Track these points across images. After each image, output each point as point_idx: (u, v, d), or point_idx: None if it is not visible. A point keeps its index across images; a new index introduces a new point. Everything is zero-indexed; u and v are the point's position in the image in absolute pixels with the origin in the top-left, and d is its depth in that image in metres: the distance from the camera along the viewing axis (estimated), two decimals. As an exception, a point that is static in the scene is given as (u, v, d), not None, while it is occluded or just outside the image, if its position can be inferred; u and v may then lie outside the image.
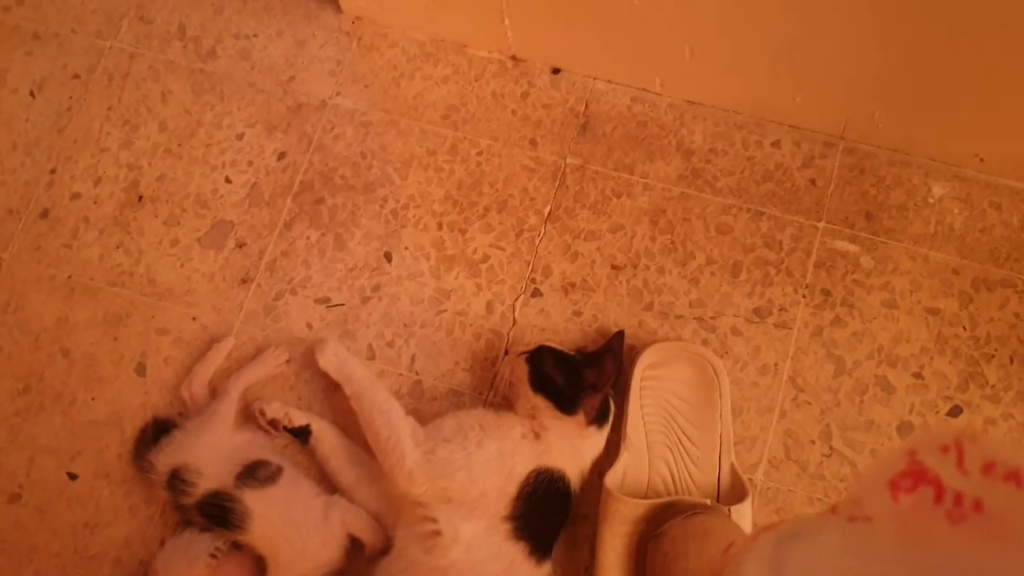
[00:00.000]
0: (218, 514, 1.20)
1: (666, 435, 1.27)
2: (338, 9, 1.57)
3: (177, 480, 1.23)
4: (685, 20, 1.28)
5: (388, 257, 1.41)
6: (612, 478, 1.21)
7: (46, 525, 1.32)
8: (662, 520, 1.14)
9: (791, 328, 1.34)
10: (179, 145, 1.51)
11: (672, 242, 1.39)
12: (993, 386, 1.30)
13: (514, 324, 1.36)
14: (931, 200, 1.40)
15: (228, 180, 1.47)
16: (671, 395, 1.29)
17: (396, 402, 1.26)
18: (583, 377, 1.20)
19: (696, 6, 1.25)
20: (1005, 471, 0.53)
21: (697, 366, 1.28)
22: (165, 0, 1.61)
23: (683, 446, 1.27)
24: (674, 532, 1.10)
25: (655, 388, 1.29)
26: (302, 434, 1.29)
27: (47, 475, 1.34)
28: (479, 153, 1.45)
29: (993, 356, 1.31)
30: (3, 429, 1.36)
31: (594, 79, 1.49)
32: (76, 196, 1.49)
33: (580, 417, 1.20)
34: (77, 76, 1.58)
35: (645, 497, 1.20)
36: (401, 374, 1.35)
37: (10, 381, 1.38)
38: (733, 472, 1.23)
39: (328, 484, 1.30)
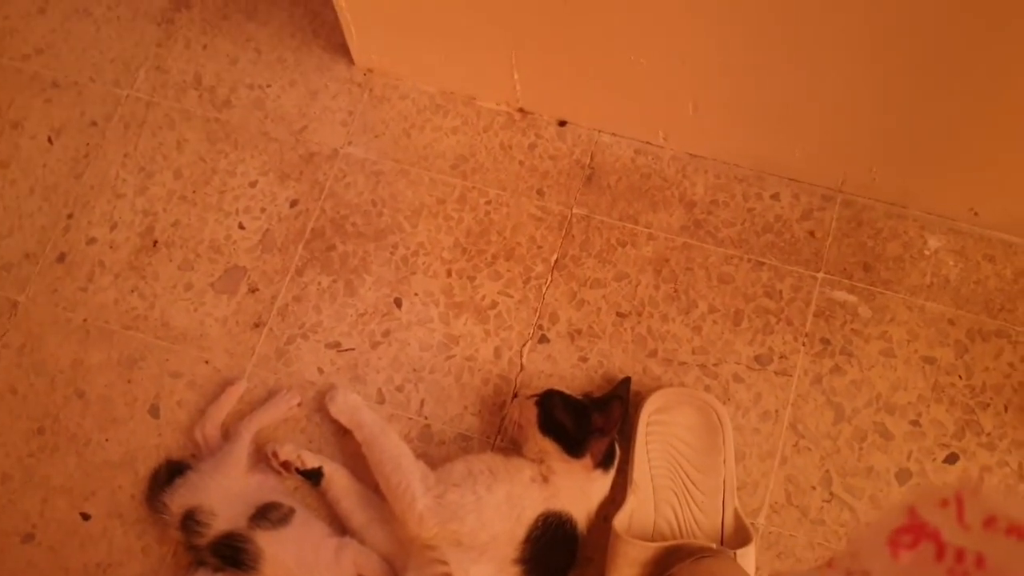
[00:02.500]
0: (231, 555, 1.23)
1: (671, 479, 1.31)
2: (350, 61, 1.62)
3: (191, 521, 1.25)
4: (690, 77, 1.34)
5: (398, 303, 1.45)
6: (619, 521, 1.24)
7: (59, 565, 1.34)
8: (669, 563, 1.17)
9: (791, 375, 1.38)
10: (194, 192, 1.55)
11: (675, 291, 1.43)
12: (989, 434, 1.34)
13: (521, 369, 1.39)
14: (927, 252, 1.45)
15: (241, 226, 1.51)
16: (676, 440, 1.33)
17: (406, 447, 1.30)
18: (591, 421, 1.24)
19: (701, 64, 1.30)
20: (1007, 524, 0.53)
21: (701, 412, 1.32)
22: (181, 51, 1.66)
23: (688, 490, 1.30)
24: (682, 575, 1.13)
25: (660, 433, 1.33)
26: (314, 476, 1.31)
27: (60, 515, 1.36)
28: (487, 202, 1.50)
29: (988, 405, 1.35)
30: (18, 469, 1.38)
31: (599, 131, 1.54)
32: (92, 241, 1.52)
33: (587, 460, 1.23)
34: (94, 123, 1.62)
35: (651, 540, 1.23)
36: (410, 418, 1.38)
37: (25, 422, 1.41)
38: (737, 516, 1.26)
39: (339, 526, 1.32)
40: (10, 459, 1.39)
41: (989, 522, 0.53)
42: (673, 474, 1.30)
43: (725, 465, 1.30)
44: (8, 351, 1.45)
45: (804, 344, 1.39)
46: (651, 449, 1.31)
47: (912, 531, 0.56)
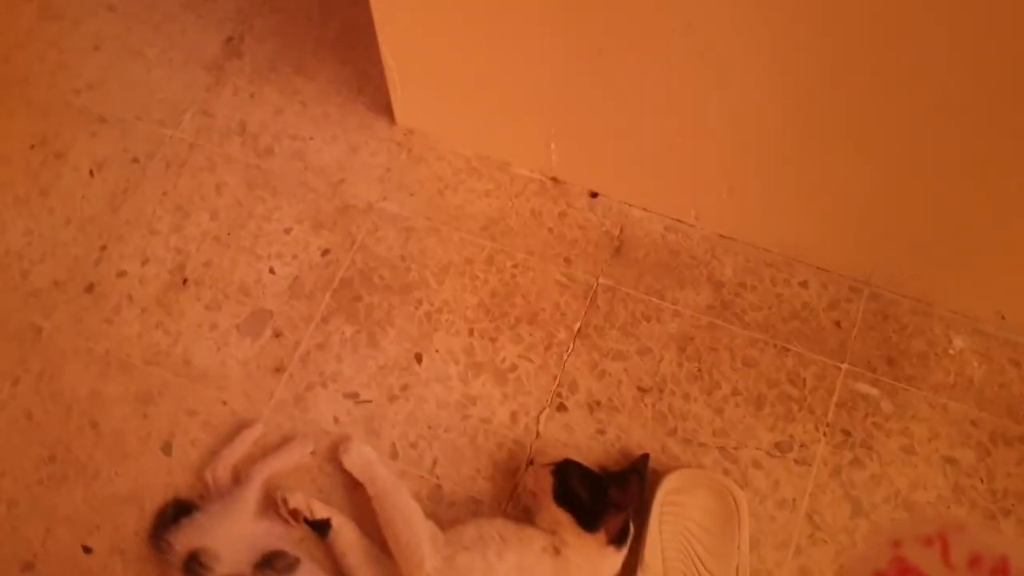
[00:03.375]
0: (232, 601, 1.18)
1: (683, 562, 1.27)
2: (392, 121, 1.62)
3: (194, 563, 1.22)
4: (727, 160, 1.33)
5: (419, 358, 1.42)
6: None
7: (55, 598, 1.29)
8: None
9: (811, 465, 1.34)
10: (228, 234, 1.54)
11: (699, 370, 1.40)
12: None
13: (537, 436, 1.36)
14: (952, 352, 1.42)
15: (272, 271, 1.50)
16: (691, 522, 1.29)
17: (417, 505, 1.27)
18: (608, 495, 1.20)
19: (739, 148, 1.29)
20: (992, 564, 0.51)
21: (718, 495, 1.28)
22: (228, 98, 1.66)
23: (699, 574, 1.25)
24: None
25: (675, 514, 1.29)
26: (322, 527, 1.28)
27: (62, 547, 1.32)
28: (514, 265, 1.48)
29: (1010, 511, 1.31)
30: (25, 496, 1.35)
31: (630, 205, 1.53)
32: (122, 274, 1.51)
33: (601, 535, 1.20)
34: (136, 160, 1.62)
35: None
36: (422, 476, 1.35)
37: (37, 448, 1.38)
38: (745, 604, 1.21)
39: (341, 580, 1.27)
40: (18, 485, 1.35)
41: (975, 561, 0.52)
42: (685, 557, 1.26)
43: (739, 551, 1.25)
44: (28, 376, 1.43)
45: (825, 434, 1.36)
46: (664, 529, 1.27)
47: (896, 571, 0.54)
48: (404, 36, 1.38)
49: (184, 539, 1.25)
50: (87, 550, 1.32)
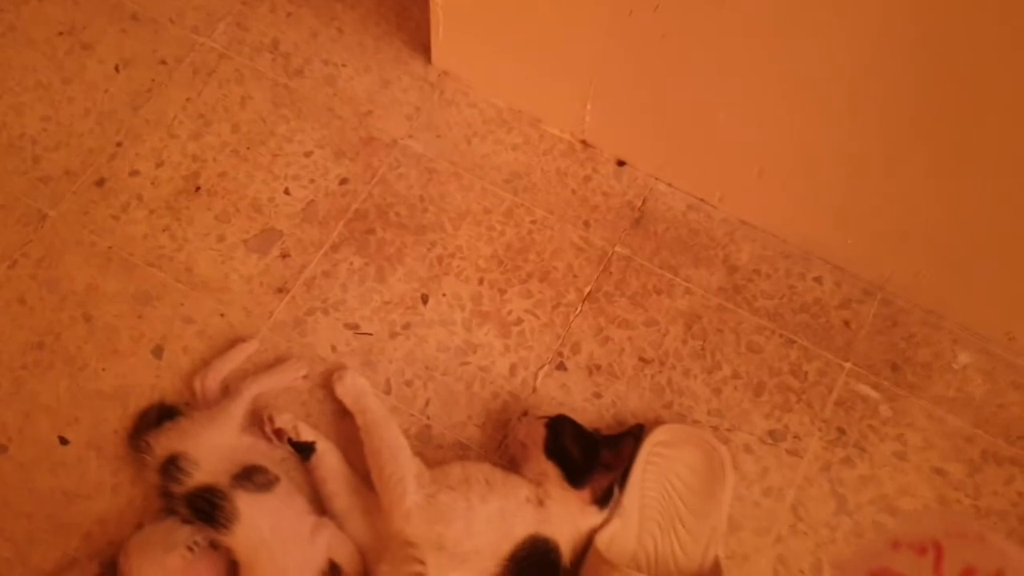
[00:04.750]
0: (206, 509, 1.16)
1: (660, 513, 1.26)
2: (427, 60, 1.58)
3: (172, 467, 1.18)
4: (762, 145, 1.30)
5: (424, 299, 1.39)
6: (601, 539, 1.18)
7: (25, 484, 1.26)
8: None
9: (802, 457, 1.32)
10: (247, 149, 1.50)
11: (702, 349, 1.38)
12: (992, 557, 1.27)
13: (534, 392, 1.33)
14: (955, 366, 1.40)
15: (287, 192, 1.46)
16: (674, 476, 1.28)
17: (405, 441, 1.24)
18: (599, 455, 1.18)
19: (777, 136, 1.27)
20: None
21: (706, 455, 1.27)
22: (265, 13, 1.62)
23: (674, 528, 1.25)
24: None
25: (660, 465, 1.27)
26: (305, 450, 1.25)
27: (39, 434, 1.29)
28: (532, 222, 1.45)
29: (992, 529, 1.28)
30: (7, 379, 1.31)
31: (656, 179, 1.50)
32: (135, 173, 1.47)
33: (586, 493, 1.17)
34: (164, 63, 1.58)
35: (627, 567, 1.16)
36: (412, 415, 1.32)
37: (26, 333, 1.34)
38: (716, 565, 1.20)
39: (319, 506, 1.24)
40: (2, 367, 1.33)
41: (967, 573, 0.50)
42: (663, 508, 1.25)
43: (718, 511, 1.23)
44: (26, 261, 1.39)
45: (820, 429, 1.33)
46: (647, 479, 1.26)
47: None
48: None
49: (164, 442, 1.21)
50: (64, 441, 1.28)
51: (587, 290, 1.41)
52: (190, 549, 1.14)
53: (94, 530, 1.24)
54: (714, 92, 1.27)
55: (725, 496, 1.24)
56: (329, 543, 1.18)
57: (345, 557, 1.19)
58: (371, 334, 1.37)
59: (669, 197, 1.49)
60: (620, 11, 1.21)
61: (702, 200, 1.49)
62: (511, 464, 1.26)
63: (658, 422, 1.32)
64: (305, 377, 1.34)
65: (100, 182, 1.46)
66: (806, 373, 1.38)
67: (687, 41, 1.21)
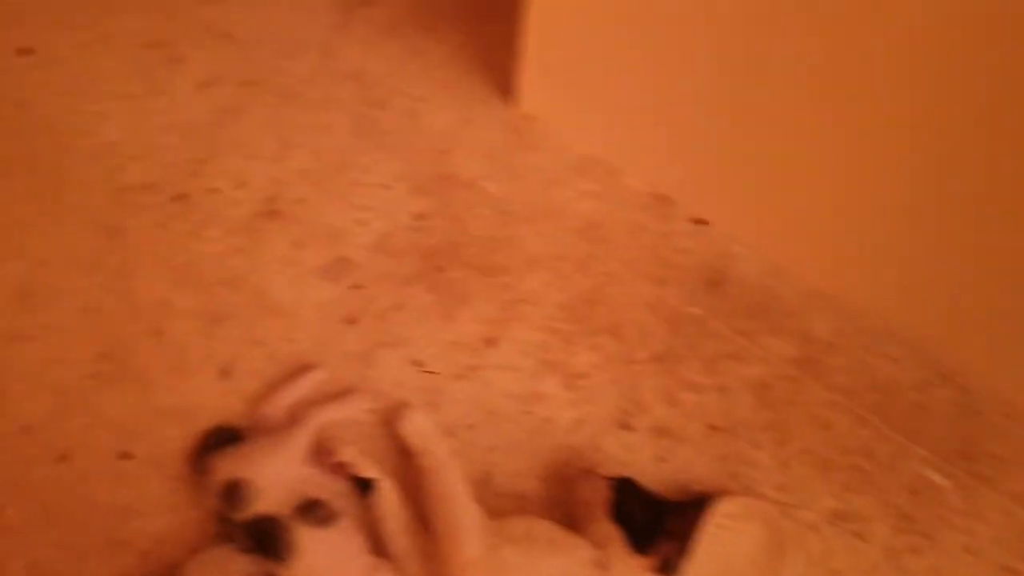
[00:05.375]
0: (265, 540, 1.18)
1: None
2: (511, 102, 1.62)
3: (233, 493, 1.20)
4: (847, 217, 1.33)
5: (491, 343, 1.42)
6: None
7: (85, 496, 1.29)
8: None
9: (868, 541, 1.32)
10: (326, 176, 1.54)
11: (773, 420, 1.39)
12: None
13: (597, 449, 1.35)
14: (1032, 461, 1.39)
15: (362, 223, 1.50)
16: (737, 549, 1.28)
17: (467, 487, 1.24)
18: (666, 522, 1.18)
19: (863, 208, 1.29)
20: None
21: (771, 531, 1.28)
22: (353, 42, 1.68)
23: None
24: None
25: (723, 538, 1.28)
26: (366, 486, 1.27)
27: (101, 446, 1.32)
28: (605, 274, 1.48)
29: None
30: (75, 388, 1.34)
31: (735, 241, 1.52)
32: (215, 191, 1.51)
33: (651, 561, 1.18)
34: (250, 83, 1.63)
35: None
36: (474, 460, 1.34)
37: (97, 344, 1.38)
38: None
39: (375, 545, 1.25)
40: (70, 375, 1.35)
41: None
42: (723, 578, 1.24)
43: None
44: (102, 270, 1.43)
45: (888, 514, 1.34)
46: (709, 550, 1.25)
47: None
48: (553, 21, 1.38)
49: (227, 466, 1.23)
50: (126, 456, 1.32)
51: (658, 349, 1.43)
52: (247, 580, 1.16)
53: (150, 549, 1.26)
54: (803, 160, 1.29)
55: (787, 573, 1.23)
56: (385, 586, 1.19)
57: (399, 601, 1.19)
58: (436, 373, 1.40)
59: (747, 260, 1.51)
60: (715, 71, 1.24)
61: (781, 267, 1.50)
62: (571, 522, 1.27)
63: (723, 492, 1.33)
64: (370, 411, 1.35)
65: (179, 197, 1.50)
66: (877, 455, 1.38)
67: (780, 108, 1.23)
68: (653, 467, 1.34)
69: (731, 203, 1.47)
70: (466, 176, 1.53)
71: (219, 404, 1.35)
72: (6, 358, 1.33)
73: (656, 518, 1.19)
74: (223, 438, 1.30)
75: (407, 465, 1.30)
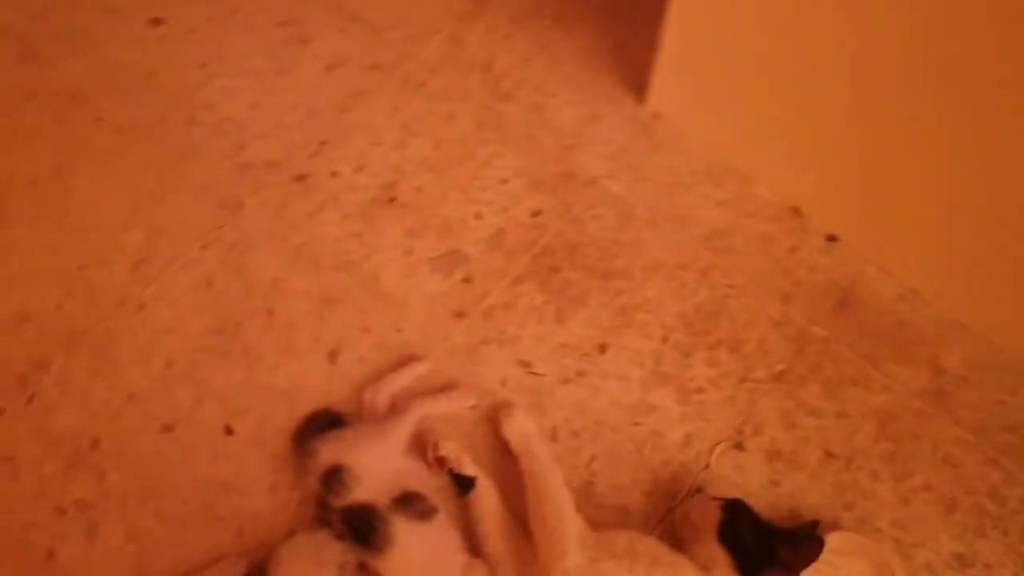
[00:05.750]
0: (361, 528, 1.18)
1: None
2: (641, 101, 1.59)
3: (334, 478, 1.21)
4: (991, 244, 1.26)
5: (603, 349, 1.39)
6: None
7: (186, 468, 1.32)
8: None
9: (991, 590, 1.25)
10: (446, 167, 1.54)
11: (895, 452, 1.33)
12: None
13: (706, 468, 1.31)
14: None
15: (478, 216, 1.49)
16: None
17: (570, 494, 1.22)
18: (777, 550, 1.14)
19: (1010, 236, 1.21)
20: None
21: (878, 571, 1.22)
22: (482, 32, 1.67)
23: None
24: None
25: (828, 574, 1.22)
26: (465, 484, 1.26)
27: (206, 420, 1.34)
28: (729, 286, 1.44)
29: None
30: (184, 360, 1.37)
31: (868, 261, 1.47)
32: (335, 175, 1.52)
33: (758, 589, 1.13)
34: (377, 68, 1.64)
35: None
36: (576, 468, 1.32)
37: (209, 318, 1.40)
38: None
39: (471, 545, 1.24)
40: (181, 346, 1.38)
41: None
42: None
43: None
44: (219, 245, 1.45)
45: (1015, 562, 1.27)
46: None
47: None
48: (693, 20, 1.35)
49: (329, 451, 1.24)
50: (229, 431, 1.33)
51: (778, 369, 1.39)
52: (340, 569, 1.16)
53: (246, 527, 1.28)
54: (946, 180, 1.24)
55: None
56: (479, 586, 1.18)
57: (493, 604, 1.18)
58: (544, 375, 1.38)
59: (880, 283, 1.45)
60: (856, 83, 1.19)
61: (915, 291, 1.44)
62: (675, 541, 1.24)
63: (835, 524, 1.28)
64: (473, 408, 1.35)
65: (300, 178, 1.52)
66: (1006, 499, 1.32)
67: (924, 125, 1.18)
68: (765, 491, 1.30)
69: (866, 221, 1.42)
70: (588, 175, 1.52)
71: (325, 388, 1.36)
72: (118, 324, 1.37)
73: (766, 545, 1.15)
74: (326, 422, 1.31)
75: (507, 467, 1.28)
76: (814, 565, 1.18)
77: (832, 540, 1.21)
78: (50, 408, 1.33)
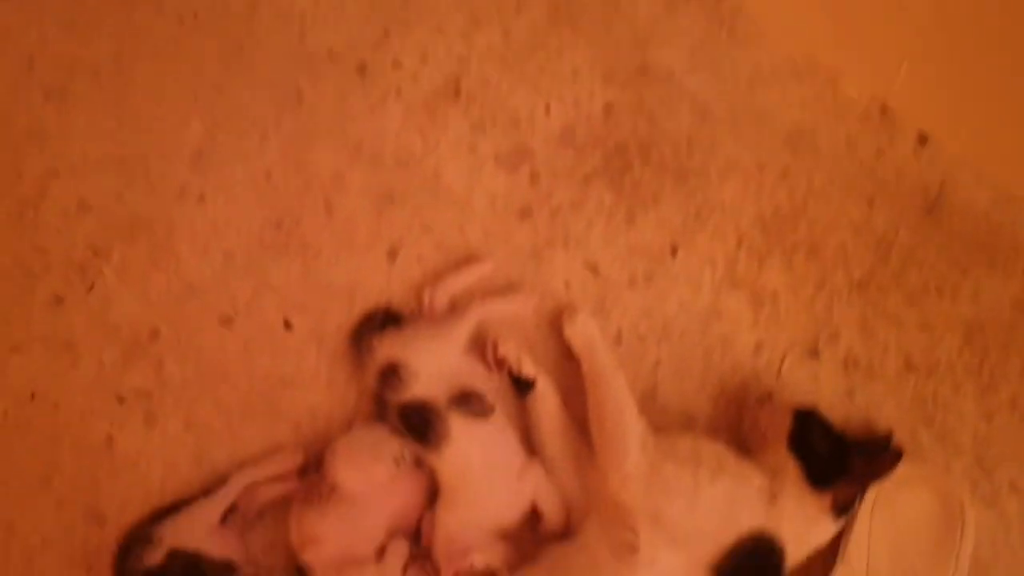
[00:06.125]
0: (418, 425, 1.17)
1: (890, 562, 1.17)
2: (721, -11, 1.51)
3: (392, 374, 1.21)
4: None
5: (674, 251, 1.35)
6: None
7: (245, 361, 1.32)
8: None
9: (1077, 511, 1.20)
10: (514, 58, 1.49)
11: (980, 365, 1.28)
12: None
13: (778, 376, 1.28)
14: None
15: (547, 111, 1.45)
16: (906, 521, 1.19)
17: (632, 398, 1.19)
18: (850, 461, 1.10)
19: None
20: None
21: (943, 501, 1.19)
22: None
23: (907, 582, 1.15)
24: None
25: (891, 507, 1.19)
26: (525, 386, 1.24)
27: (265, 313, 1.34)
28: (809, 188, 1.38)
29: None
30: (243, 253, 1.37)
31: (960, 164, 1.38)
32: (397, 65, 1.48)
33: (826, 499, 1.11)
34: (439, -48, 1.57)
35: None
36: (640, 373, 1.30)
37: (267, 211, 1.39)
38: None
39: (527, 446, 1.23)
40: (240, 239, 1.38)
41: None
42: (893, 557, 1.16)
43: (956, 567, 1.14)
44: (277, 136, 1.44)
45: (1106, 484, 1.21)
46: (875, 522, 1.17)
47: None
48: None
49: (387, 347, 1.23)
50: (287, 326, 1.33)
51: (858, 276, 1.33)
52: (396, 463, 1.16)
53: (304, 421, 1.29)
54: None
55: (963, 552, 1.15)
56: (536, 487, 1.18)
57: (550, 506, 1.18)
58: (610, 278, 1.36)
59: (973, 187, 1.38)
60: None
61: (1013, 196, 1.36)
62: (742, 449, 1.21)
63: (912, 437, 1.26)
64: (535, 310, 1.32)
65: (361, 69, 1.49)
66: (1100, 418, 1.25)
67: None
68: (839, 401, 1.26)
69: (962, 120, 1.34)
70: (665, 69, 1.45)
71: (383, 286, 1.35)
72: (178, 216, 1.37)
73: (840, 456, 1.11)
74: (385, 320, 1.30)
75: (569, 370, 1.26)
76: (874, 500, 1.14)
77: (896, 469, 1.16)
78: (109, 297, 1.34)
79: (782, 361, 1.29)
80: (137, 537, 1.17)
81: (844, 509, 1.14)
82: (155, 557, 1.14)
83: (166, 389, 1.30)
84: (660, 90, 1.46)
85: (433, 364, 1.22)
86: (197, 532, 1.17)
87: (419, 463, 1.19)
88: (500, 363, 1.26)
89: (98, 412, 1.29)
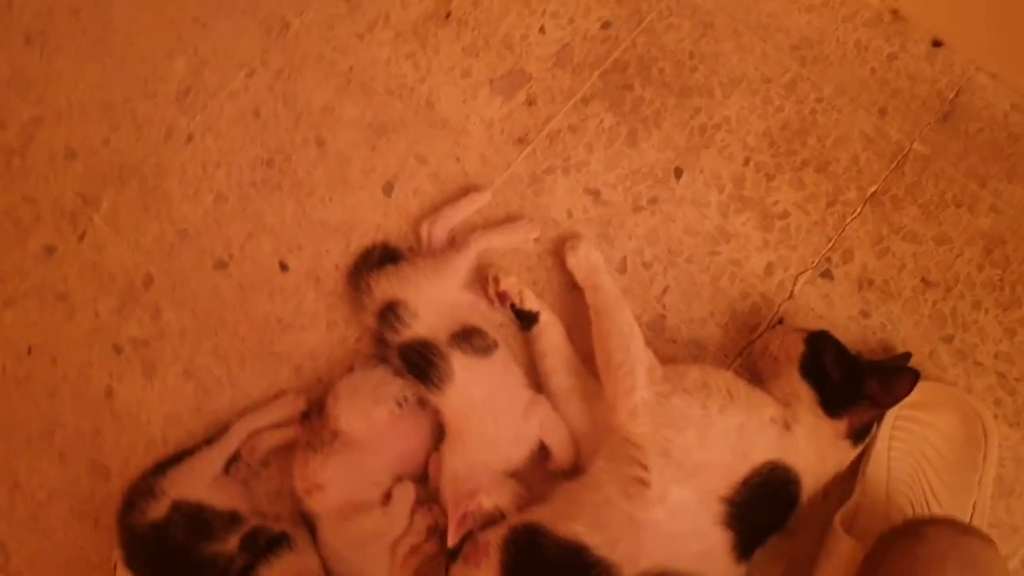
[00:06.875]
0: (419, 364, 1.14)
1: (910, 486, 1.14)
2: None
3: (390, 313, 1.17)
4: None
5: (678, 173, 1.30)
6: (843, 517, 1.08)
7: (242, 305, 1.30)
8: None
9: (1103, 427, 1.16)
10: (506, -25, 1.41)
11: (1001, 279, 1.22)
12: None
13: (790, 298, 1.23)
14: None
15: (542, 30, 1.39)
16: (927, 444, 1.15)
17: (638, 329, 1.15)
18: (865, 384, 1.06)
19: None
20: None
21: (966, 420, 1.15)
22: None
23: (927, 503, 1.13)
24: (936, 542, 0.96)
25: (911, 431, 1.15)
26: (528, 320, 1.21)
27: (260, 256, 1.31)
28: (818, 100, 1.31)
29: None
30: (235, 194, 1.33)
31: (977, 68, 1.32)
32: (385, -10, 1.42)
33: (842, 425, 1.08)
34: None
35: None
36: (647, 301, 1.25)
37: (258, 149, 1.35)
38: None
39: (534, 381, 1.20)
40: (231, 181, 1.34)
41: None
42: (914, 481, 1.13)
43: (980, 487, 1.11)
44: (264, 71, 1.39)
45: None
46: (894, 446, 1.14)
47: None
48: None
49: (385, 286, 1.20)
50: (284, 267, 1.30)
51: (871, 190, 1.28)
52: (399, 404, 1.13)
53: (304, 364, 1.26)
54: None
55: (987, 467, 1.11)
56: (543, 423, 1.16)
57: (558, 441, 1.16)
58: (612, 203, 1.33)
59: (991, 92, 1.31)
60: None
61: (1033, 100, 1.29)
62: (753, 377, 1.17)
63: (931, 357, 1.21)
64: (536, 240, 1.28)
65: (348, -4, 1.42)
66: None
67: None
68: (854, 323, 1.22)
69: (978, 21, 1.28)
70: (662, -20, 1.37)
71: (380, 222, 1.32)
72: (166, 159, 1.33)
73: (854, 379, 1.08)
74: (383, 257, 1.27)
75: (573, 301, 1.23)
76: (894, 422, 1.10)
77: (914, 392, 1.12)
78: (102, 245, 1.31)
79: (794, 283, 1.24)
80: (139, 491, 1.15)
81: (861, 435, 1.11)
82: (158, 510, 1.13)
83: (164, 337, 1.28)
84: (659, 3, 1.40)
85: (433, 302, 1.19)
86: (200, 483, 1.16)
87: (423, 404, 1.16)
88: (502, 297, 1.22)
89: (96, 363, 1.28)
